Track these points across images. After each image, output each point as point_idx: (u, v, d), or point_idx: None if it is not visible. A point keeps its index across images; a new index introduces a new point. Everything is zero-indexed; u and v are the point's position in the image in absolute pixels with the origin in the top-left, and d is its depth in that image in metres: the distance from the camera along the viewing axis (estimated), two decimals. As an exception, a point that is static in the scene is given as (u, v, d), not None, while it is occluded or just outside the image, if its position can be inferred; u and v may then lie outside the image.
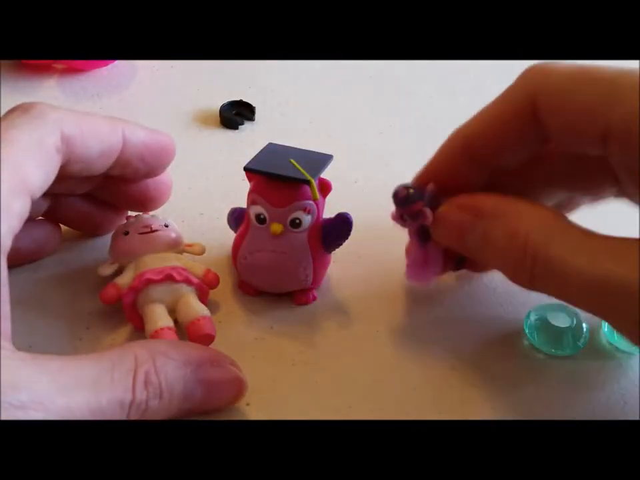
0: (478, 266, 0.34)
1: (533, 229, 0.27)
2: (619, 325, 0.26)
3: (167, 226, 0.34)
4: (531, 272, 0.27)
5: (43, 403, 0.24)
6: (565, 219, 0.28)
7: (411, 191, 0.31)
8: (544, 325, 0.33)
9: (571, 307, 0.31)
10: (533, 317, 0.33)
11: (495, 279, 0.36)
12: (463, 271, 0.35)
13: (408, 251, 0.34)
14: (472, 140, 0.30)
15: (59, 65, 0.50)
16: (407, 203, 0.31)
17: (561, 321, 0.33)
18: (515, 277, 0.28)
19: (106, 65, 0.50)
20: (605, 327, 0.34)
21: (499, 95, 0.30)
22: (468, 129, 0.30)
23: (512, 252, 0.27)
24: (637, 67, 0.26)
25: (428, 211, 0.30)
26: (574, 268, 0.26)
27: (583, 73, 0.27)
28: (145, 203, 0.35)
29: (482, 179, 0.31)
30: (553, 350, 0.32)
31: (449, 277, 0.35)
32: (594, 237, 0.26)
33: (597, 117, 0.26)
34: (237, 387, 0.29)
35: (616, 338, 0.33)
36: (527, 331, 0.33)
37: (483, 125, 0.30)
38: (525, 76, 0.29)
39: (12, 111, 0.29)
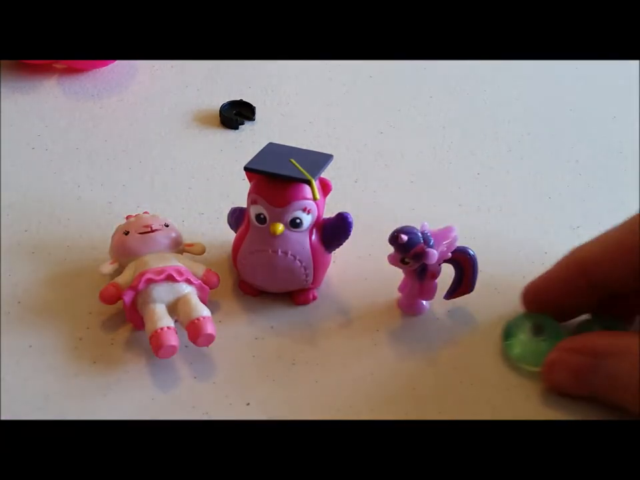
0: (468, 291, 0.34)
1: None
2: None
3: (167, 226, 0.34)
4: None
5: None
6: None
7: (410, 235, 0.31)
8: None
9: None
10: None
11: (496, 278, 0.36)
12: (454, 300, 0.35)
13: (402, 288, 0.34)
14: (589, 263, 0.31)
15: (59, 64, 0.50)
16: (409, 247, 0.31)
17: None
18: None
19: (106, 64, 0.50)
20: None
21: (620, 223, 0.31)
22: (585, 252, 0.31)
23: None
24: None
25: (430, 251, 0.31)
26: None
27: None
28: None
29: (594, 301, 0.32)
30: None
31: (439, 306, 0.35)
32: None
33: None
34: None
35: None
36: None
37: (601, 250, 0.31)
38: None
39: None
